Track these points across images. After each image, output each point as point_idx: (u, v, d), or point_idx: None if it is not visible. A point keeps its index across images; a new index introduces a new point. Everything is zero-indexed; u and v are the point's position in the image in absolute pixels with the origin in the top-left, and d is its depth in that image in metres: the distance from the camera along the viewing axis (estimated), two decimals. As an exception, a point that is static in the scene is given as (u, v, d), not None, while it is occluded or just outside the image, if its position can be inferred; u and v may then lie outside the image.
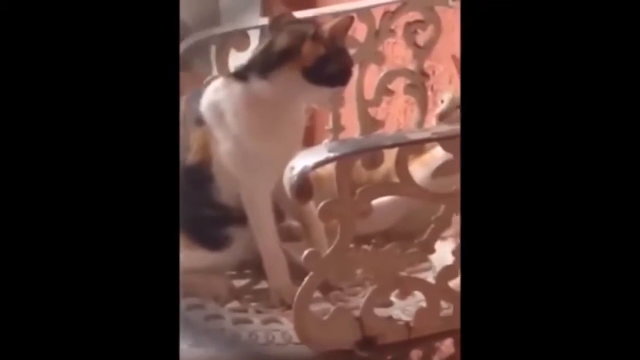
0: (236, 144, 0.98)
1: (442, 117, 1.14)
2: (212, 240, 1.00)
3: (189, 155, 0.99)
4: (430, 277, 0.95)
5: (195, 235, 0.99)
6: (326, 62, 0.98)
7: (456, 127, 0.90)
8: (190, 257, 0.97)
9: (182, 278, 0.90)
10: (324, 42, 0.98)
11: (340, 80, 1.00)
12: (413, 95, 1.25)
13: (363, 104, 1.24)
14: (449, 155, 0.91)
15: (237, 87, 0.98)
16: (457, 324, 0.87)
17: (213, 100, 0.98)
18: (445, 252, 0.97)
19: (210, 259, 1.00)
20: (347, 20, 1.00)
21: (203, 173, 0.99)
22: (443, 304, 0.94)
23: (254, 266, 1.05)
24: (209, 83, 1.03)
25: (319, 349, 0.92)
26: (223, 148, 0.98)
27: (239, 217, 0.99)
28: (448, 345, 1.00)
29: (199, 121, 0.98)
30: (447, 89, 1.23)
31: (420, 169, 1.02)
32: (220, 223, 1.00)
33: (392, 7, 1.19)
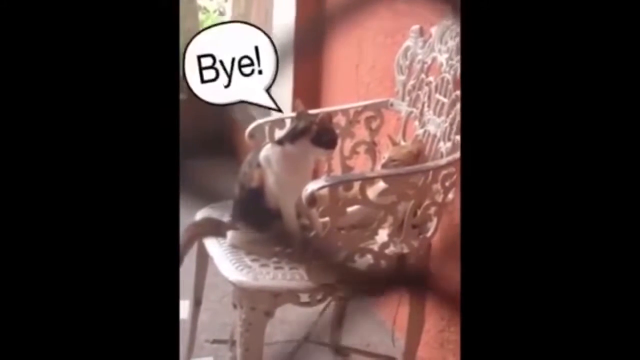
0: (276, 177, 1.40)
1: (384, 166, 1.54)
2: (262, 226, 1.43)
3: (252, 182, 1.42)
4: (375, 247, 1.38)
5: (253, 223, 1.44)
6: (322, 136, 1.40)
7: (390, 170, 1.44)
8: (252, 234, 1.44)
9: (249, 246, 1.42)
10: (319, 125, 1.40)
11: (330, 146, 1.42)
12: (369, 154, 1.71)
13: (343, 158, 1.70)
14: (386, 185, 1.35)
15: (277, 148, 1.41)
16: (389, 272, 1.37)
17: (265, 154, 1.41)
18: (383, 235, 1.40)
19: (260, 236, 1.44)
20: (328, 114, 1.44)
21: (259, 191, 1.41)
22: (382, 262, 1.38)
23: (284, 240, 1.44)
24: (264, 145, 1.46)
25: (317, 283, 1.35)
26: (270, 179, 1.40)
27: (277, 215, 1.41)
28: (383, 283, 1.42)
29: (258, 165, 1.41)
30: (386, 151, 1.59)
31: (371, 191, 1.38)
32: (266, 217, 1.42)
33: (359, 109, 1.68)
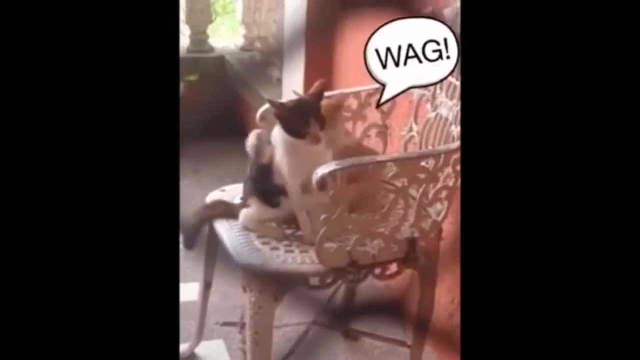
0: (279, 155, 1.41)
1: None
2: (271, 201, 1.45)
3: (263, 158, 1.43)
4: (386, 231, 1.39)
5: (263, 199, 1.45)
6: (288, 124, 1.37)
7: (401, 154, 1.44)
8: (262, 211, 1.45)
9: (259, 225, 1.42)
10: (289, 113, 1.36)
11: (299, 137, 1.36)
12: (380, 137, 1.71)
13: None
14: (397, 169, 1.35)
15: (279, 127, 1.40)
16: (399, 255, 1.38)
17: (274, 133, 1.41)
18: (394, 219, 1.40)
19: (270, 212, 1.45)
20: (299, 101, 1.40)
21: (269, 167, 1.42)
22: (392, 246, 1.40)
23: (295, 221, 1.45)
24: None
25: (328, 266, 1.36)
26: (277, 156, 1.42)
27: (284, 191, 1.42)
28: (393, 267, 1.45)
29: (269, 142, 1.43)
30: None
31: (382, 175, 1.43)
32: (275, 193, 1.44)
33: (371, 91, 1.63)
